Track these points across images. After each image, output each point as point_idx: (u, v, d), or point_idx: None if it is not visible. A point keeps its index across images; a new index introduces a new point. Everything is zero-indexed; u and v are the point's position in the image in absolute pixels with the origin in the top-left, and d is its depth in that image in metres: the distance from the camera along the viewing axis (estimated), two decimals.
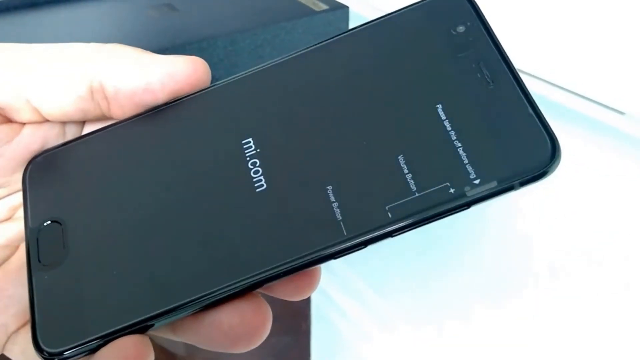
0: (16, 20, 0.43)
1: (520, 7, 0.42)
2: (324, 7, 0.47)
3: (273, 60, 0.27)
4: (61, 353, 0.24)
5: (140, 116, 0.27)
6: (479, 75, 0.24)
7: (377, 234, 0.23)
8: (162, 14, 0.46)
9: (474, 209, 0.22)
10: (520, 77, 0.24)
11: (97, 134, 0.28)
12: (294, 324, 0.75)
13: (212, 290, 0.23)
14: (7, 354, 0.26)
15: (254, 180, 0.25)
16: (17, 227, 0.27)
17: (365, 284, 0.67)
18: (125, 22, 0.46)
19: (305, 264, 0.23)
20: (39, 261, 0.25)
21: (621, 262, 0.43)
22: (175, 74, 0.26)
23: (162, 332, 0.25)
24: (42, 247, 0.26)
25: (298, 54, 0.27)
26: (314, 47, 0.27)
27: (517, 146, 0.22)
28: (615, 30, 0.39)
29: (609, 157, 0.42)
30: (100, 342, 0.24)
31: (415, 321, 0.63)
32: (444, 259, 0.58)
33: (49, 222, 0.26)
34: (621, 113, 0.40)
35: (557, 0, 0.41)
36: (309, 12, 0.46)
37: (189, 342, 0.25)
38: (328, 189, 0.24)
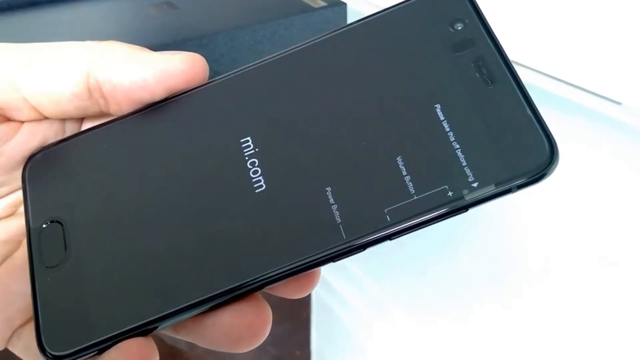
0: (16, 20, 0.43)
1: None
2: (322, 3, 0.47)
3: (269, 57, 0.27)
4: (66, 356, 0.24)
5: (140, 112, 0.27)
6: (477, 75, 0.24)
7: (376, 237, 0.23)
8: (163, 12, 0.46)
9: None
10: (519, 77, 0.23)
11: (95, 130, 0.27)
12: (295, 311, 0.75)
13: (214, 294, 0.23)
14: (11, 348, 0.26)
15: (253, 180, 0.25)
16: (19, 223, 0.28)
17: (366, 272, 0.68)
18: (125, 20, 0.46)
19: (304, 267, 0.23)
20: (41, 262, 0.25)
21: (619, 253, 0.43)
22: (171, 71, 0.26)
23: (165, 331, 0.25)
24: (43, 248, 0.26)
25: (294, 51, 0.26)
26: (310, 44, 0.26)
27: (515, 149, 0.22)
28: (611, 21, 0.39)
29: (606, 148, 0.42)
30: (105, 345, 0.24)
31: (414, 310, 0.63)
32: (443, 249, 0.58)
33: (49, 222, 0.26)
34: (618, 103, 0.40)
35: None
36: (307, 9, 0.47)
37: (191, 342, 0.25)
38: (327, 191, 0.24)
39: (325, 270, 0.73)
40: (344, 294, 0.71)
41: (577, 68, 0.41)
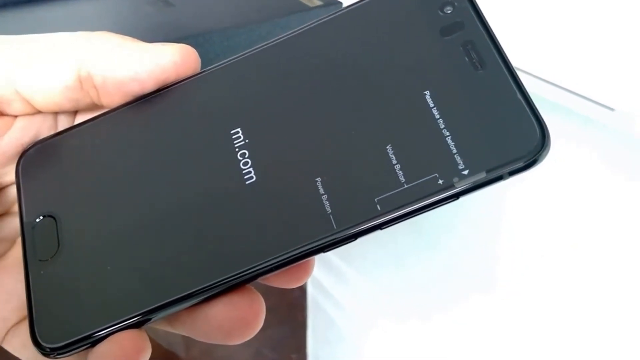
0: (11, 17, 0.43)
1: (511, 2, 0.42)
2: (318, 3, 0.47)
3: (258, 47, 0.27)
4: (59, 348, 0.24)
5: (131, 105, 0.27)
6: (467, 60, 0.23)
7: (366, 226, 0.23)
8: (158, 10, 0.46)
9: (463, 199, 0.22)
10: (509, 61, 0.23)
11: (87, 124, 0.27)
12: (290, 315, 0.75)
13: (206, 285, 0.23)
14: (6, 347, 0.26)
15: (244, 172, 0.25)
16: (13, 221, 0.28)
17: (361, 275, 0.68)
18: (121, 17, 0.46)
19: (296, 258, 0.23)
20: (35, 256, 0.26)
21: (608, 253, 0.43)
22: (164, 64, 0.25)
23: (160, 325, 0.25)
24: (37, 242, 0.26)
25: (281, 40, 0.26)
26: (297, 33, 0.26)
27: (506, 134, 0.22)
28: (606, 26, 0.39)
29: (599, 154, 0.43)
30: (98, 337, 0.24)
31: (410, 312, 0.63)
32: (440, 249, 0.58)
33: (42, 217, 0.26)
34: (611, 109, 0.40)
35: None
36: (303, 8, 0.47)
37: (186, 335, 0.25)
38: (317, 181, 0.23)
39: (321, 274, 0.73)
40: (340, 297, 0.71)
41: (571, 73, 0.41)
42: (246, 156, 0.25)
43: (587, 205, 0.44)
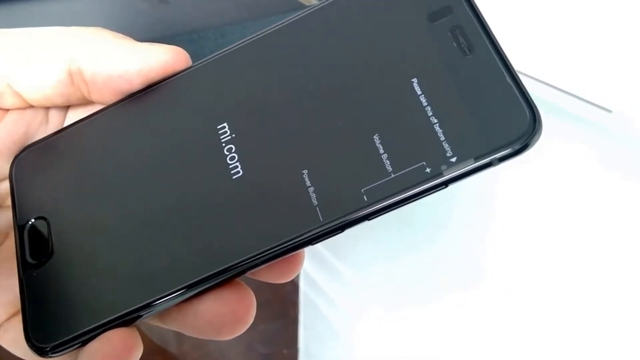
0: (5, 12, 0.43)
1: (507, 3, 0.42)
2: (314, 0, 0.47)
3: (242, 41, 0.27)
4: (52, 348, 0.24)
5: (119, 104, 0.27)
6: (455, 45, 0.23)
7: (352, 218, 0.22)
8: (153, 6, 0.46)
9: (454, 189, 0.22)
10: (499, 45, 0.22)
11: (77, 125, 0.28)
12: (282, 310, 0.75)
13: (194, 281, 0.23)
14: None
15: (230, 166, 0.25)
16: (6, 215, 0.28)
17: (353, 271, 0.68)
18: (115, 13, 0.45)
19: (283, 252, 0.23)
20: (28, 257, 0.26)
21: (603, 253, 0.44)
22: (153, 63, 0.26)
23: (152, 321, 0.26)
24: (30, 244, 0.26)
25: (266, 33, 0.26)
26: (282, 26, 0.26)
27: (496, 119, 0.21)
28: (603, 28, 0.39)
29: (595, 154, 0.43)
30: (88, 336, 0.24)
31: (402, 307, 0.63)
32: (431, 245, 0.58)
33: (34, 219, 0.26)
34: (608, 111, 0.40)
35: None
36: (299, 6, 0.46)
37: (177, 330, 0.25)
38: (304, 173, 0.23)
39: (313, 270, 0.73)
40: (331, 293, 0.71)
41: (569, 74, 0.41)
42: (233, 151, 0.25)
43: (582, 205, 0.44)
